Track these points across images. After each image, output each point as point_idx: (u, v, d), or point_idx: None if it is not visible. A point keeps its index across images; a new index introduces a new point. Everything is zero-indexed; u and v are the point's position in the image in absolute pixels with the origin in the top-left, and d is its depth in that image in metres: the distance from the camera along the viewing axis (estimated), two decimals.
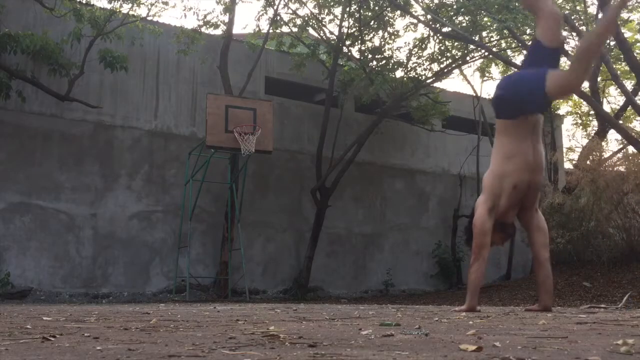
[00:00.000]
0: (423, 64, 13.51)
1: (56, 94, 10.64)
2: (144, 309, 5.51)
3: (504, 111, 4.36)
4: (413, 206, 14.76)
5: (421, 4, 12.52)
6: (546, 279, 4.36)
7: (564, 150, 18.00)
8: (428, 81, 13.57)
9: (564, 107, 18.29)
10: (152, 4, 11.38)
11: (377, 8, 12.95)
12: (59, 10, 10.56)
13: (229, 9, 12.27)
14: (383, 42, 13.48)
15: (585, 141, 14.64)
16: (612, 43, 12.45)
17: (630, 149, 11.31)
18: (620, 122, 12.28)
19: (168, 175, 11.92)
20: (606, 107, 15.64)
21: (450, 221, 14.88)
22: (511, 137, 4.34)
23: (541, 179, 4.48)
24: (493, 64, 15.02)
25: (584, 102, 15.04)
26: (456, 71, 14.77)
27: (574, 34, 12.18)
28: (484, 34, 12.81)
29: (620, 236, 10.73)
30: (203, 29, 12.13)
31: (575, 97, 16.41)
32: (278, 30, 13.49)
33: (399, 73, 13.55)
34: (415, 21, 13.21)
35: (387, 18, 13.18)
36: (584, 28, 11.99)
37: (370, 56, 13.34)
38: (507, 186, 4.31)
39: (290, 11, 13.45)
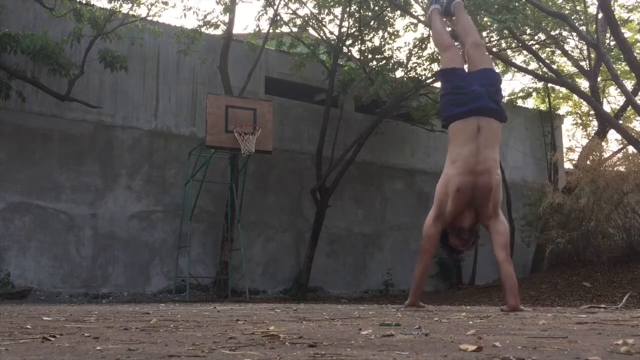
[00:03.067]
0: (423, 64, 13.49)
1: (56, 94, 10.64)
2: (144, 309, 5.51)
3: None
4: (413, 206, 14.75)
5: (421, 4, 12.52)
6: (506, 279, 4.40)
7: (564, 150, 17.98)
8: (428, 81, 13.56)
9: (564, 107, 18.28)
10: (152, 4, 11.38)
11: (377, 8, 12.94)
12: (59, 10, 10.56)
13: (229, 9, 12.26)
14: (383, 42, 13.47)
15: (585, 141, 14.61)
16: (612, 43, 12.45)
17: (630, 149, 11.31)
18: (620, 122, 12.28)
19: (168, 175, 11.92)
20: (606, 107, 15.64)
21: None
22: (454, 142, 4.61)
23: (489, 182, 4.48)
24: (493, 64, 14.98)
25: (584, 102, 15.03)
26: None
27: (574, 33, 12.18)
28: (484, 34, 12.78)
29: (620, 236, 10.73)
30: (203, 29, 12.13)
31: (575, 97, 16.42)
32: (278, 30, 13.48)
33: (399, 73, 13.55)
34: (415, 21, 13.20)
35: (387, 18, 13.17)
36: (584, 28, 11.99)
37: (370, 56, 13.33)
38: (450, 190, 4.51)
39: (290, 11, 13.45)
